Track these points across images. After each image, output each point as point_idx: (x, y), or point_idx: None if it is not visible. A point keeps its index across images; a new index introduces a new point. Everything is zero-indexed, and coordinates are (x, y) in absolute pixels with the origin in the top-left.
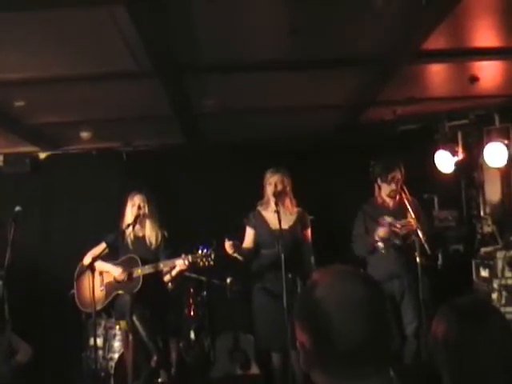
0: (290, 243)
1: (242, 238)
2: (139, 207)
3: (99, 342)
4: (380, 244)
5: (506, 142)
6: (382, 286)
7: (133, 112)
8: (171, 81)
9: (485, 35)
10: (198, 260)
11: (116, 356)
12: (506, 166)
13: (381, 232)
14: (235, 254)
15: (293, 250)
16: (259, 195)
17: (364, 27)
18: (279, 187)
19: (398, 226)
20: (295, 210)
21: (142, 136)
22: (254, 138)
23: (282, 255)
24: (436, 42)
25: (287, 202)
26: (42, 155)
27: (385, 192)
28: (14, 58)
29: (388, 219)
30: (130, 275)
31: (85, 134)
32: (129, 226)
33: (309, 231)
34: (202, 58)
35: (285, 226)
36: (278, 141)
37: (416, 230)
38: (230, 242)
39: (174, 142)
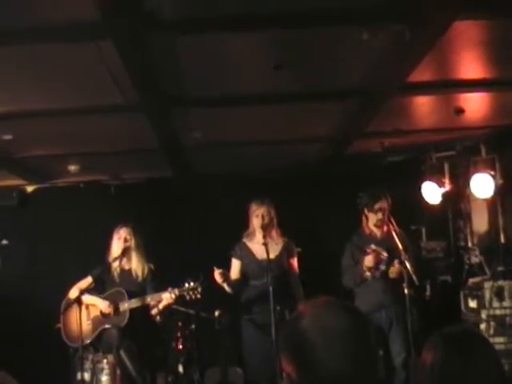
0: (277, 273)
1: (229, 271)
2: (125, 240)
3: (87, 376)
4: (367, 273)
5: (492, 172)
6: (367, 318)
7: (120, 145)
8: (158, 114)
9: (469, 67)
10: (185, 294)
11: None
12: (492, 196)
13: (366, 261)
14: (224, 284)
15: (281, 280)
16: (247, 227)
17: (350, 61)
18: (266, 220)
19: (384, 253)
20: (281, 239)
21: (130, 169)
22: (241, 170)
23: (271, 287)
24: (421, 74)
25: (273, 232)
26: (30, 188)
27: (372, 222)
28: (1, 92)
29: (373, 247)
30: (116, 308)
31: (72, 168)
32: (116, 259)
33: (295, 260)
34: (189, 91)
35: (271, 256)
36: (265, 173)
37: (404, 262)
38: (220, 271)
39: (161, 174)
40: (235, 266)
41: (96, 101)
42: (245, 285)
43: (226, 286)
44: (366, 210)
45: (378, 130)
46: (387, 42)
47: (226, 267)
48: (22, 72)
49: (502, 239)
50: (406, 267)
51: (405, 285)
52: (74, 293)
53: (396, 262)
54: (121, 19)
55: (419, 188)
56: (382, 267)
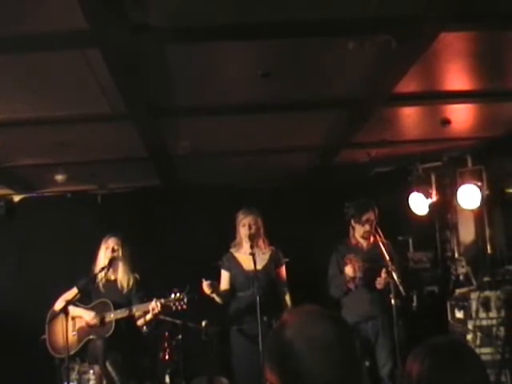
0: (264, 284)
1: (217, 281)
2: (113, 250)
3: None
4: (350, 284)
5: (478, 183)
6: (354, 328)
7: (108, 154)
8: (146, 124)
9: (456, 78)
10: (171, 304)
11: None
12: (479, 207)
13: (347, 270)
14: (213, 295)
15: (268, 290)
16: (235, 237)
17: (337, 71)
18: (253, 229)
19: (360, 262)
20: (268, 249)
21: (117, 178)
22: (228, 180)
23: (258, 297)
24: (408, 85)
25: (260, 242)
26: (17, 198)
27: (358, 233)
28: None
29: (351, 256)
30: (102, 319)
31: (59, 177)
32: (103, 269)
33: (283, 269)
34: (177, 101)
35: (259, 266)
36: (252, 182)
37: (391, 272)
38: (208, 282)
39: (148, 184)
40: (224, 277)
41: (83, 110)
42: (234, 295)
43: (215, 296)
44: (352, 222)
45: (364, 141)
46: (374, 53)
47: (215, 278)
48: (9, 81)
49: (489, 250)
50: (392, 278)
51: (392, 295)
52: (59, 304)
53: (383, 271)
54: (108, 28)
55: (406, 199)
56: (360, 274)
